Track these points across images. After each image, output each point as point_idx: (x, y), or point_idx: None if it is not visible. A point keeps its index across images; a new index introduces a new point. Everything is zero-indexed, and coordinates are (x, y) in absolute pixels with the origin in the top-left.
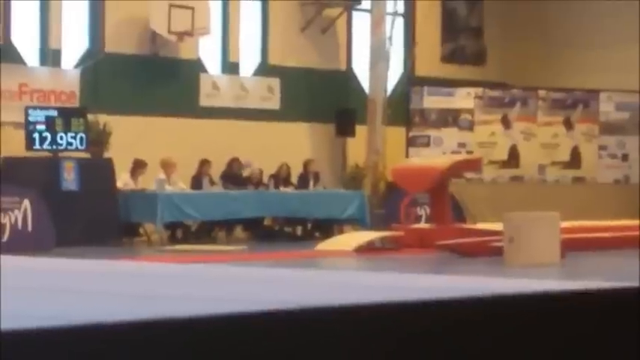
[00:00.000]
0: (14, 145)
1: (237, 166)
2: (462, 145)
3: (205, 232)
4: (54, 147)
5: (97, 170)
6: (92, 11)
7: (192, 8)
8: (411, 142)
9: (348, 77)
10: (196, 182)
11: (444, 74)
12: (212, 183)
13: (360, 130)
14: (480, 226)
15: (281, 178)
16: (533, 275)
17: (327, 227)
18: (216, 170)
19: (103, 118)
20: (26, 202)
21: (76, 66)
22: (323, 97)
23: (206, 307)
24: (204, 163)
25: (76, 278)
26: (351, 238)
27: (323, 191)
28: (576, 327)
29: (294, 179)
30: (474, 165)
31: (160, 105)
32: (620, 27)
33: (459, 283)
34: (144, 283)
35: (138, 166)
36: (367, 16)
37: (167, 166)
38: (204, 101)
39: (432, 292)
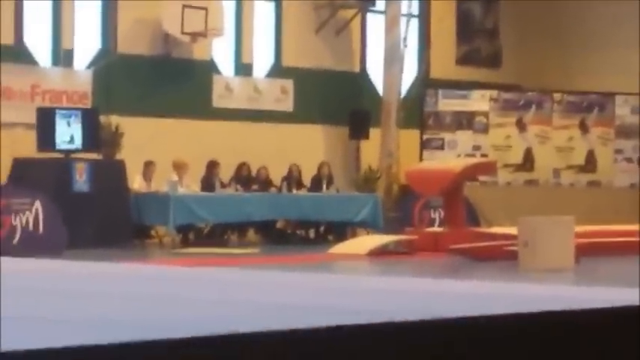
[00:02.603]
0: (26, 146)
1: (247, 171)
2: (476, 148)
3: (217, 234)
4: (66, 148)
5: (108, 172)
6: (105, 12)
7: (206, 9)
8: (425, 145)
9: (362, 79)
10: (206, 184)
11: (458, 76)
12: (223, 185)
13: (374, 132)
14: (494, 230)
15: (293, 179)
16: (547, 280)
17: (340, 230)
18: (228, 172)
19: (115, 120)
20: (37, 204)
21: (89, 66)
22: (337, 99)
23: (219, 310)
24: (214, 165)
25: (88, 281)
26: (365, 242)
27: (336, 194)
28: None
29: (306, 181)
30: (488, 168)
31: (173, 106)
32: (637, 29)
33: (474, 288)
34: (158, 286)
35: (148, 168)
36: (381, 17)
37: (179, 167)
38: (217, 103)
39: (446, 297)
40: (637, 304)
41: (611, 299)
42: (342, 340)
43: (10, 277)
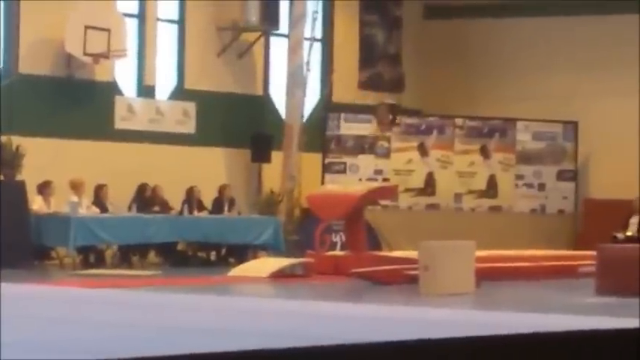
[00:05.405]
0: None
1: (148, 192)
2: (378, 172)
3: (118, 256)
4: None
5: (9, 192)
6: (7, 31)
7: (109, 30)
8: (326, 169)
9: (264, 102)
10: (98, 206)
11: (361, 101)
12: (106, 207)
13: (276, 155)
14: (395, 254)
15: (193, 202)
16: (447, 304)
17: (241, 253)
18: (129, 194)
19: (16, 140)
20: None
21: None
22: (239, 122)
23: (119, 332)
24: (102, 188)
25: None
26: (265, 264)
27: (238, 217)
28: None
29: (208, 204)
30: (389, 192)
31: (75, 127)
32: (538, 56)
33: (375, 312)
34: (58, 307)
35: (44, 188)
36: (284, 41)
37: (76, 186)
38: (120, 124)
39: (347, 320)
40: (541, 329)
41: (510, 324)
42: None
43: None
